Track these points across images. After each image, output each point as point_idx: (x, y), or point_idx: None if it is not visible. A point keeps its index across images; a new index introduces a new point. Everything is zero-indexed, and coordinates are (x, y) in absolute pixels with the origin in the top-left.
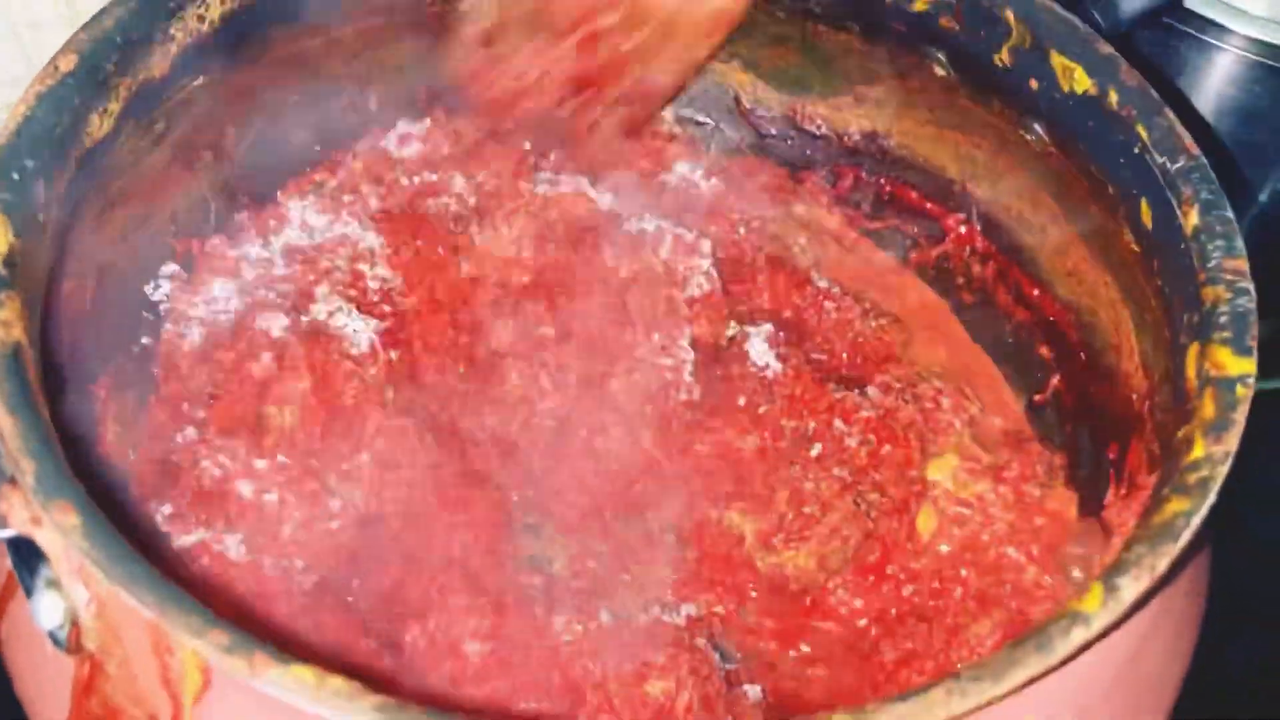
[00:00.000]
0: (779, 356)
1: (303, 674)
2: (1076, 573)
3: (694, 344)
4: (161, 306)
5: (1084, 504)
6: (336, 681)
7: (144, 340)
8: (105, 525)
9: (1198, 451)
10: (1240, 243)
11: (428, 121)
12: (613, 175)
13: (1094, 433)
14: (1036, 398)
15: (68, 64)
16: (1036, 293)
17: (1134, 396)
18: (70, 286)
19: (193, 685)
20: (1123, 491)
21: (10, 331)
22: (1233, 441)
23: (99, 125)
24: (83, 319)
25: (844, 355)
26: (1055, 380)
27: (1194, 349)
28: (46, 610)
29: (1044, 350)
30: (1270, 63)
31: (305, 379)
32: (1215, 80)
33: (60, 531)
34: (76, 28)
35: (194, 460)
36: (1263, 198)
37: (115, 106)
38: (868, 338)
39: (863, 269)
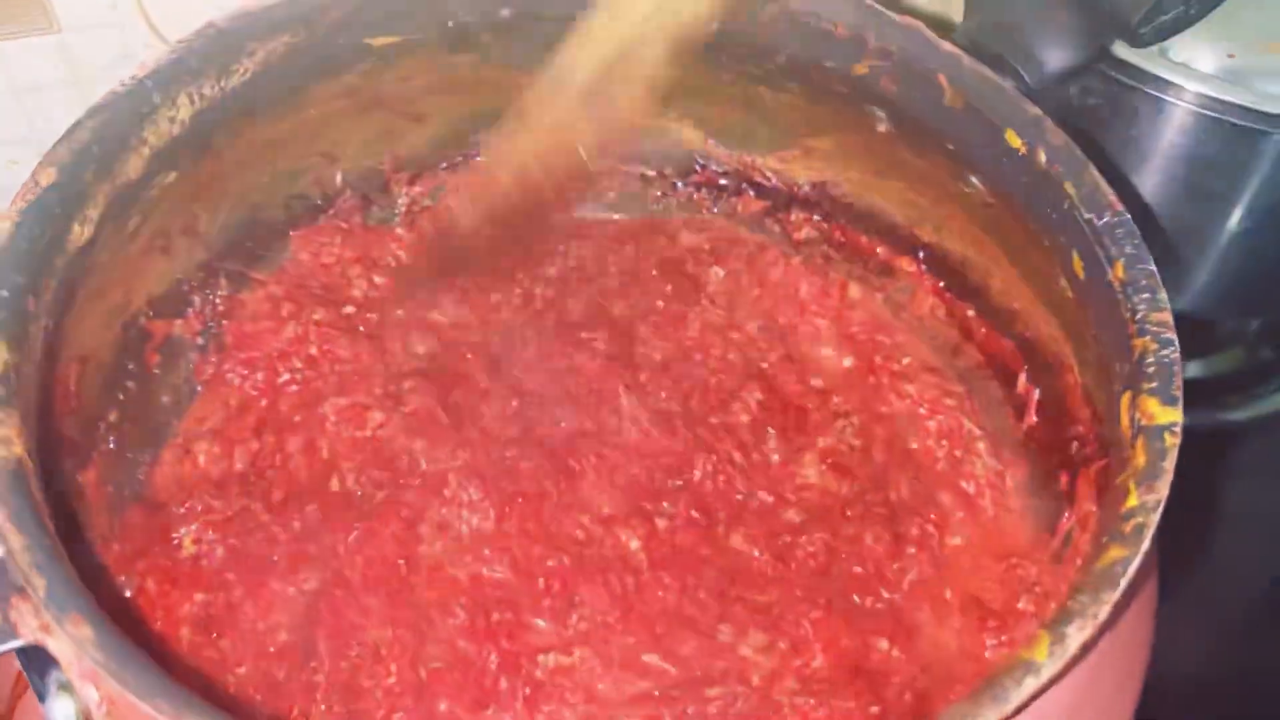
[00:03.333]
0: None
1: None
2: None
3: None
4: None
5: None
6: None
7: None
8: (116, 635)
9: (1132, 500)
10: (1164, 295)
11: None
12: None
13: (1043, 463)
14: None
15: (47, 178)
16: (984, 331)
17: (1080, 429)
18: (55, 385)
19: None
20: (1075, 519)
21: (11, 448)
22: (1163, 489)
23: (80, 233)
24: (67, 413)
25: None
26: (1007, 414)
27: (1126, 397)
28: (60, 712)
29: (993, 385)
30: (1219, 116)
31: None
32: (1166, 131)
33: (74, 643)
34: (75, 88)
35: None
36: (1222, 241)
37: (94, 212)
38: None
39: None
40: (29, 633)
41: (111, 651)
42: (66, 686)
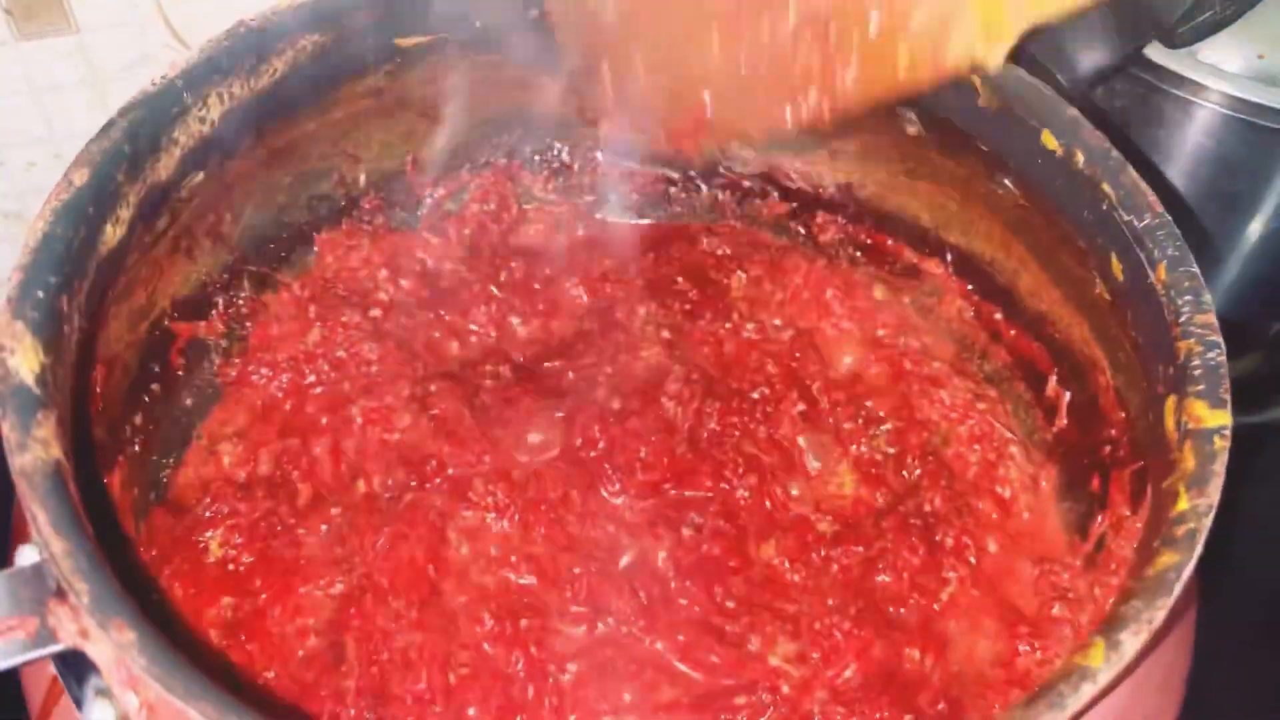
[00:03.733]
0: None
1: None
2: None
3: None
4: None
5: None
6: None
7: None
8: (160, 640)
9: (1182, 504)
10: (1208, 297)
11: None
12: None
13: (1074, 466)
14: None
15: (81, 177)
16: (1013, 333)
17: (1112, 431)
18: (77, 383)
19: None
20: (1109, 523)
21: (49, 450)
22: (1214, 493)
23: (113, 234)
24: (94, 416)
25: None
26: (1037, 416)
27: (1171, 401)
28: (98, 718)
29: (1021, 388)
30: (1245, 117)
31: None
32: (1193, 132)
33: (117, 648)
34: (94, 89)
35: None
36: (1247, 243)
37: (126, 213)
38: None
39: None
40: (68, 638)
41: (156, 656)
42: (105, 692)
